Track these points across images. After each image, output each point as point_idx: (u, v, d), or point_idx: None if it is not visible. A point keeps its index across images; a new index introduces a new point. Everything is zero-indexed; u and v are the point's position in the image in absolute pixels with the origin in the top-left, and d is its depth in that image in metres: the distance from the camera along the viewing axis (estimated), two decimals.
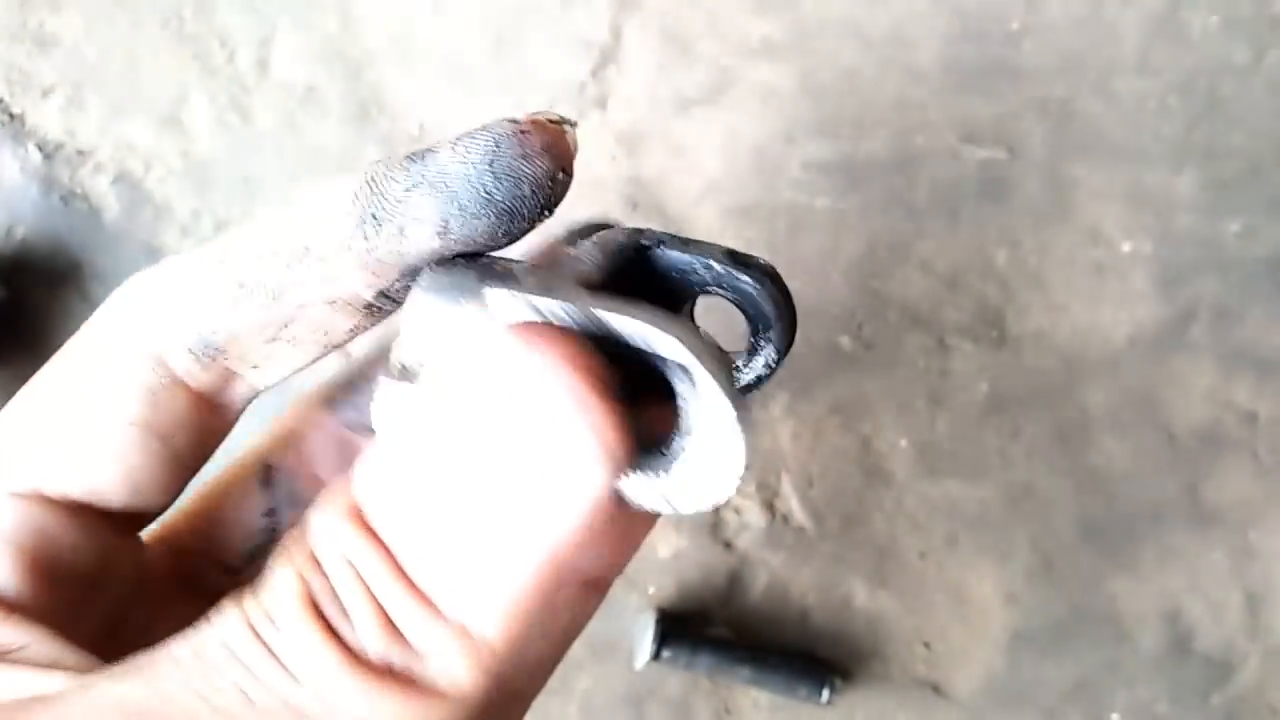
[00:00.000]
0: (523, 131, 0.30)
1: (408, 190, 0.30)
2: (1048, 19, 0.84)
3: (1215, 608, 0.84)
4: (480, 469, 0.26)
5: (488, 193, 0.30)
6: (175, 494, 0.34)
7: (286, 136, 0.85)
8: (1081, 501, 0.84)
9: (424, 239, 0.30)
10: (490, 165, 0.30)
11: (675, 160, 0.85)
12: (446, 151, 0.30)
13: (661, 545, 0.85)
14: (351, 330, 0.33)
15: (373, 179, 0.30)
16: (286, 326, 0.32)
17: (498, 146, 0.29)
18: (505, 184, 0.30)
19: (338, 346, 0.33)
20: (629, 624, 0.83)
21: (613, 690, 0.83)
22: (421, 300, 0.30)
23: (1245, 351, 0.84)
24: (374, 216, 0.30)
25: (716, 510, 0.84)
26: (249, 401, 0.34)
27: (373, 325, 0.33)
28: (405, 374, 0.30)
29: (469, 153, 0.29)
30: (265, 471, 0.38)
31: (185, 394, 0.32)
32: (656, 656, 0.80)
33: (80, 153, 0.85)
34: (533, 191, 0.30)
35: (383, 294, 0.32)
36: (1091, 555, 0.84)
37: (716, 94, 0.85)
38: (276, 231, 0.31)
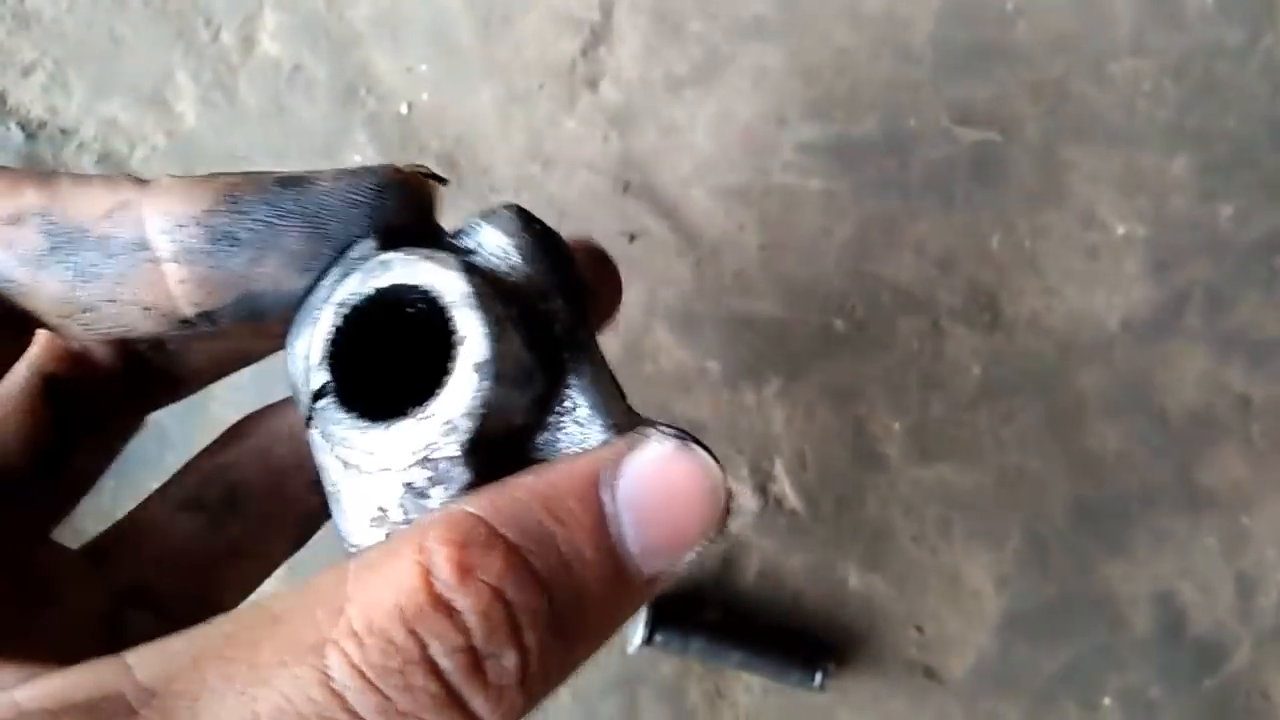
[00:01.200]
0: (404, 181, 0.30)
1: (280, 218, 0.28)
2: (1042, 0, 0.84)
3: (1208, 592, 0.84)
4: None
5: (359, 238, 0.29)
6: None
7: (272, 115, 0.84)
8: (1074, 485, 0.84)
9: (281, 272, 0.29)
10: (370, 211, 0.29)
11: (666, 141, 0.84)
12: (327, 185, 0.29)
13: None
14: (151, 337, 0.31)
15: (234, 196, 0.28)
16: (85, 312, 0.29)
17: (382, 193, 0.29)
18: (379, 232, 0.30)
19: (133, 343, 0.31)
20: None
21: (605, 674, 0.83)
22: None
23: (1239, 335, 0.84)
24: (231, 236, 0.28)
25: None
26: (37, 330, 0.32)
27: (176, 338, 0.31)
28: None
29: (353, 193, 0.29)
30: (45, 380, 0.36)
31: None
32: (649, 641, 0.80)
33: (63, 131, 0.84)
34: (401, 239, 0.30)
35: (205, 314, 0.30)
36: (1084, 539, 0.84)
37: (708, 74, 0.84)
38: (116, 210, 0.29)
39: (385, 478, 0.29)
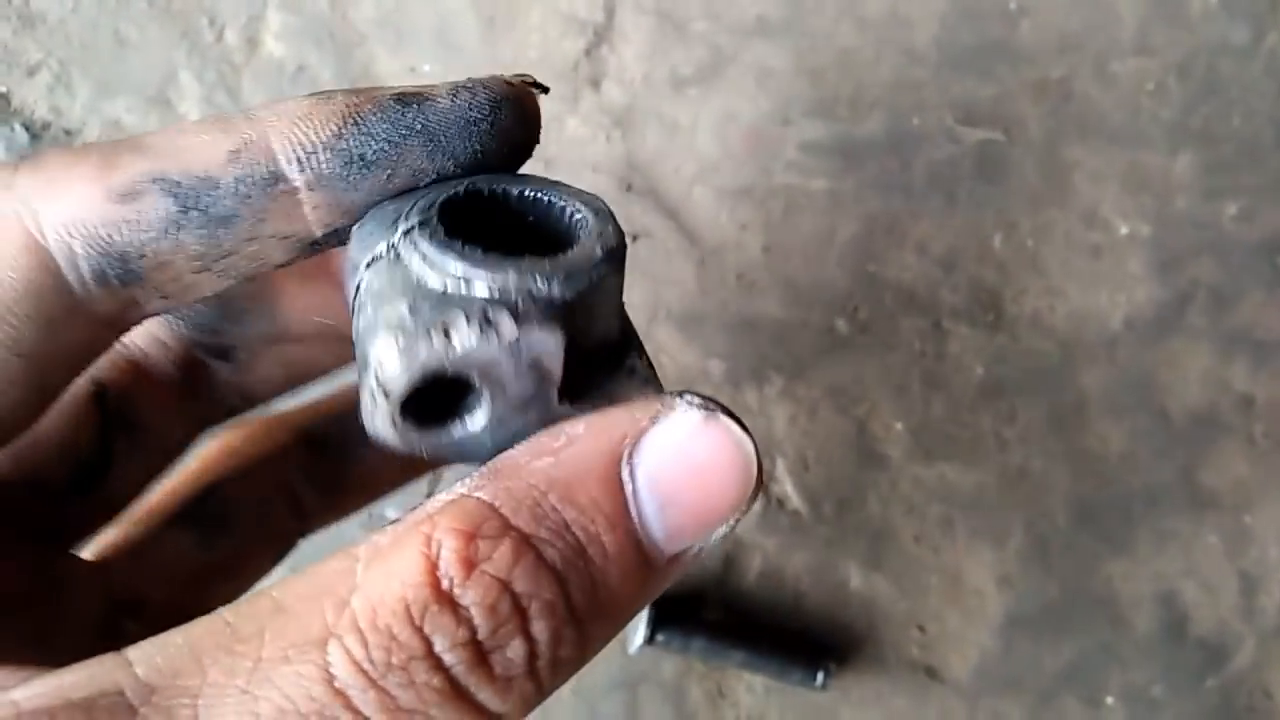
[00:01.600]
0: (517, 95, 0.30)
1: (402, 136, 0.28)
2: (1046, 0, 0.84)
3: (1210, 591, 0.84)
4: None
5: (480, 151, 0.29)
6: (27, 421, 0.30)
7: None
8: (1077, 485, 0.84)
9: (405, 187, 0.29)
10: (491, 125, 0.29)
11: (670, 141, 0.84)
12: (446, 102, 0.29)
13: None
14: (283, 264, 0.30)
15: (358, 116, 0.28)
16: (226, 258, 0.29)
17: (498, 107, 0.29)
18: (497, 145, 0.29)
19: (253, 277, 0.30)
20: None
21: (607, 673, 0.83)
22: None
23: (1242, 334, 0.84)
24: (362, 158, 0.28)
25: None
26: (135, 325, 0.30)
27: (303, 260, 0.30)
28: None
29: (470, 109, 0.29)
30: (96, 388, 0.34)
31: (77, 321, 0.28)
32: (651, 640, 0.80)
33: (68, 132, 0.84)
34: (513, 155, 0.30)
35: (334, 232, 0.30)
36: (1087, 538, 0.84)
37: (712, 74, 0.84)
38: (240, 151, 0.28)
39: (464, 301, 0.26)
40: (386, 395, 0.26)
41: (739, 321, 0.83)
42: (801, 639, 0.82)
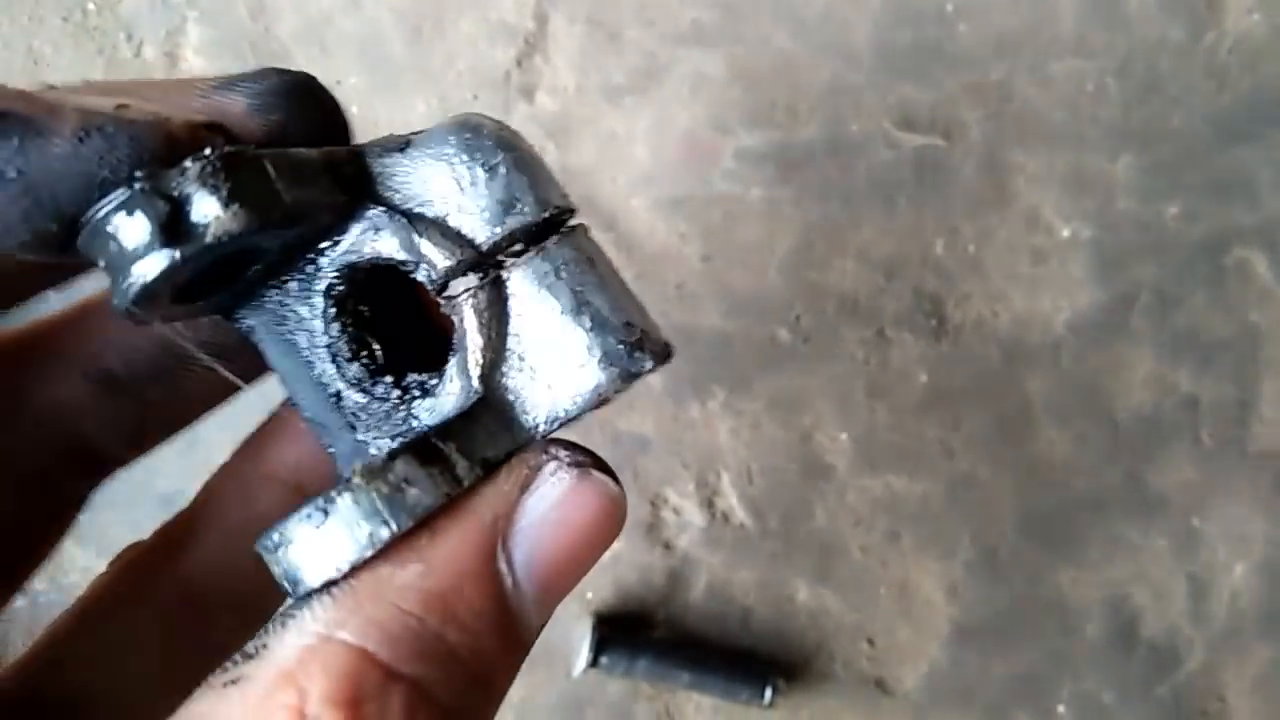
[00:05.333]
0: (191, 136, 0.24)
1: None
2: (983, 0, 0.83)
3: (1160, 596, 0.83)
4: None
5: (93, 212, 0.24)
6: None
7: None
8: (1024, 492, 0.83)
9: None
10: (131, 180, 0.24)
11: (605, 151, 0.82)
12: (64, 145, 0.22)
13: None
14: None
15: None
16: None
17: (141, 160, 0.24)
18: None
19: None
20: (566, 630, 0.81)
21: (549, 699, 0.81)
22: None
23: (1186, 336, 0.83)
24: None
25: (655, 510, 0.82)
26: None
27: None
28: None
29: (95, 160, 0.23)
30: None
31: None
32: (594, 663, 0.78)
33: None
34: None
35: None
36: (1035, 546, 0.83)
37: (646, 82, 0.83)
38: None
39: None
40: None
41: (679, 334, 0.81)
42: (749, 656, 0.81)
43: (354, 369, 0.28)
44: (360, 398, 0.28)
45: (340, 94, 0.85)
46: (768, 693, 0.78)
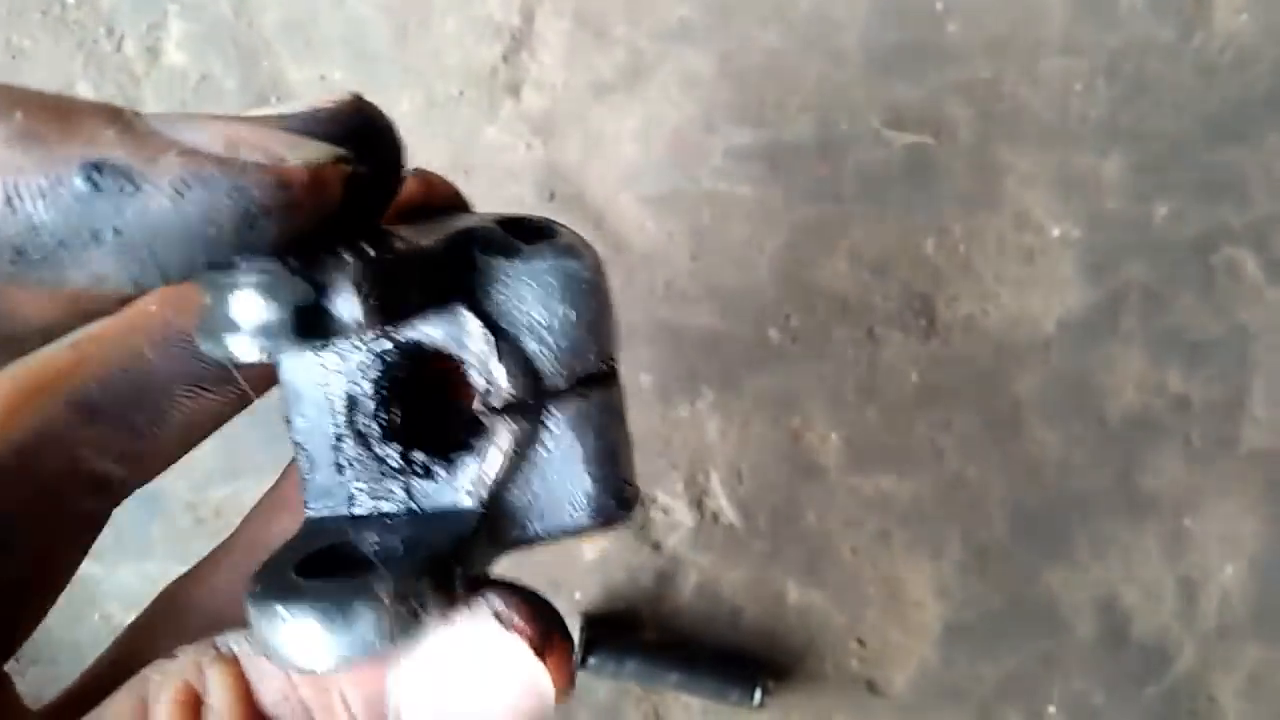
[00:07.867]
0: (303, 186, 0.21)
1: (82, 240, 0.21)
2: None
3: (1151, 596, 0.83)
4: None
5: (212, 264, 0.22)
6: None
7: None
8: (1014, 492, 0.83)
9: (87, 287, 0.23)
10: (237, 237, 0.21)
11: (593, 148, 0.82)
12: (163, 200, 0.20)
13: (587, 548, 0.82)
14: None
15: (19, 192, 0.19)
16: None
17: (251, 217, 0.21)
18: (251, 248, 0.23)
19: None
20: None
21: None
22: None
23: (1176, 335, 0.83)
24: (18, 251, 0.20)
25: (644, 510, 0.82)
26: None
27: None
28: None
29: (197, 219, 0.20)
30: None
31: None
32: (583, 665, 0.77)
33: None
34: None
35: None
36: (1025, 546, 0.83)
37: (634, 79, 0.82)
38: None
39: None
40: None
41: (668, 333, 0.81)
42: (739, 657, 0.80)
43: (372, 425, 0.28)
44: (361, 451, 0.28)
45: (323, 90, 0.84)
46: (757, 694, 0.78)
